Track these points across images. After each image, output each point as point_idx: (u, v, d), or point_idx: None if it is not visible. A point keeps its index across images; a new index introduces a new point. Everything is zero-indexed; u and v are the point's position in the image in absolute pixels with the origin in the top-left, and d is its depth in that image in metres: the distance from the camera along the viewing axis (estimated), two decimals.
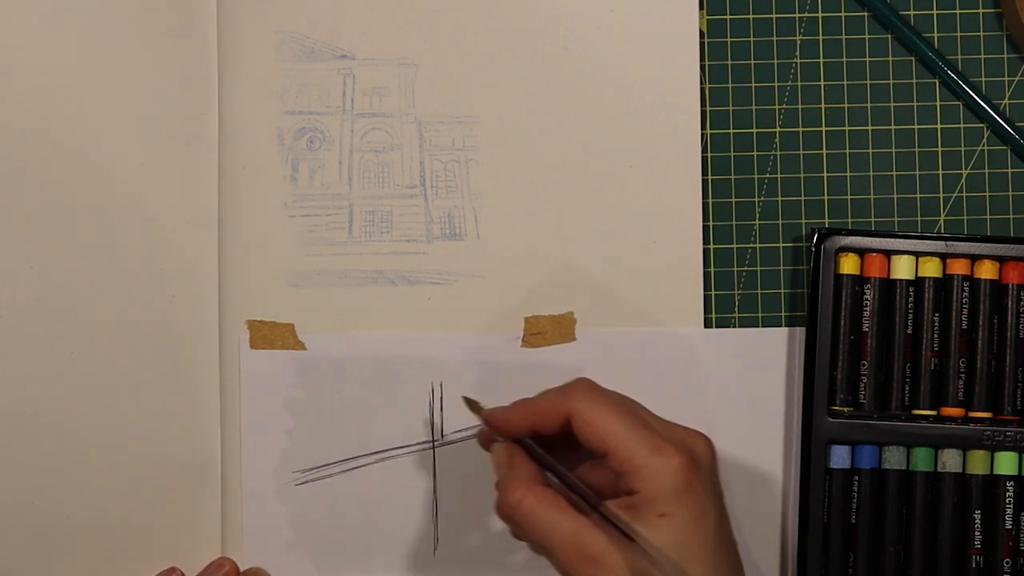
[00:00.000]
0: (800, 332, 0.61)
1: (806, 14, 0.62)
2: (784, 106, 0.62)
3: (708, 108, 0.62)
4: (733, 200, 0.62)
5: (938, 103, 0.62)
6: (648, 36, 0.61)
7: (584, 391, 0.53)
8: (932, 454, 0.59)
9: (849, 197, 0.62)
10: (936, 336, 0.59)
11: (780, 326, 0.61)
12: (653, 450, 0.51)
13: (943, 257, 0.59)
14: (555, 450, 0.54)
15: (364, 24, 0.61)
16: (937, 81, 0.62)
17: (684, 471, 0.51)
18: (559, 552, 0.51)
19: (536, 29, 0.61)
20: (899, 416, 0.59)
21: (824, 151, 0.62)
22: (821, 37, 0.62)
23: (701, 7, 0.62)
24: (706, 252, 0.62)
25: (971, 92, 0.61)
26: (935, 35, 0.62)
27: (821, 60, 0.62)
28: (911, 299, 0.59)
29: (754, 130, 0.62)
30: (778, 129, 0.62)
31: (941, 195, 0.62)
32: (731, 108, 0.62)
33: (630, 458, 0.51)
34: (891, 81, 0.62)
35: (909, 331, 0.59)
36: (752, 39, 0.62)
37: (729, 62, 0.62)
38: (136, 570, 0.61)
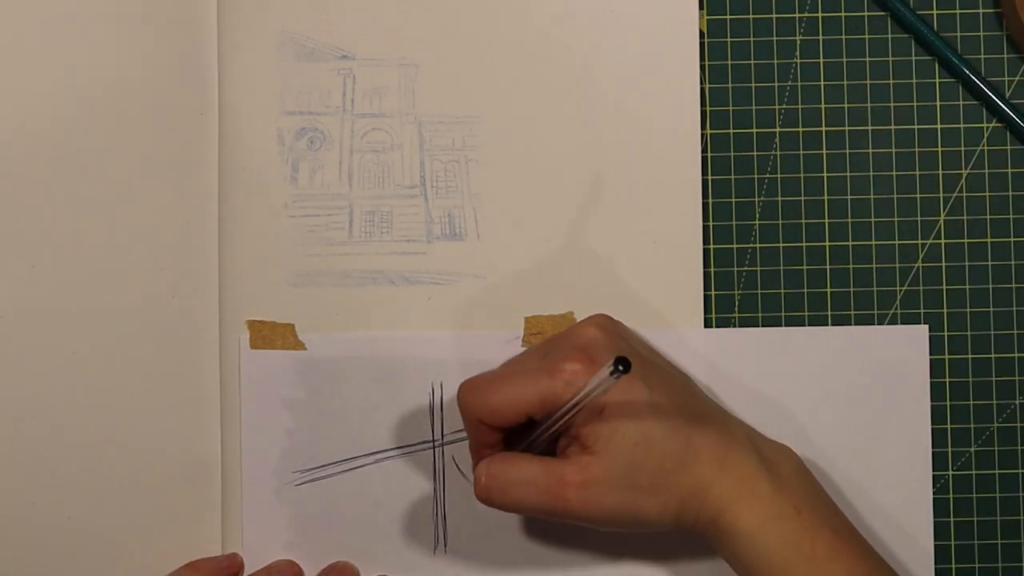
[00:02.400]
0: (800, 332, 0.61)
1: (806, 14, 0.62)
2: (784, 106, 0.62)
3: (708, 108, 0.62)
4: (733, 200, 0.62)
5: (938, 103, 0.62)
6: (648, 36, 0.61)
7: (465, 394, 0.54)
8: None
9: (849, 197, 0.62)
10: None
11: (780, 326, 0.61)
12: (550, 376, 0.53)
13: None
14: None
15: (364, 24, 0.61)
16: (937, 81, 0.62)
17: (584, 369, 0.52)
18: (544, 492, 0.53)
19: (536, 29, 0.61)
20: None
21: (824, 151, 0.62)
22: (821, 37, 0.62)
23: (701, 7, 0.62)
24: (706, 252, 0.62)
25: (971, 92, 0.61)
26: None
27: (821, 60, 0.62)
28: None
29: (754, 130, 0.62)
30: (778, 129, 0.62)
31: (941, 195, 0.62)
32: (731, 108, 0.62)
33: (543, 400, 0.53)
34: (891, 81, 0.62)
35: None
36: (752, 39, 0.62)
37: (729, 62, 0.62)
38: (136, 570, 0.61)
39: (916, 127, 0.62)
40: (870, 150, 0.62)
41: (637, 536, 0.60)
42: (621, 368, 0.48)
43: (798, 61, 0.62)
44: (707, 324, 0.61)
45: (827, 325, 0.61)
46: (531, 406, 0.53)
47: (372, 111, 0.62)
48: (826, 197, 0.62)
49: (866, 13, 0.62)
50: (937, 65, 0.62)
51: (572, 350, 0.53)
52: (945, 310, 0.62)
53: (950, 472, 0.61)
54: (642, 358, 0.55)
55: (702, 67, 0.62)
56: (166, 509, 0.61)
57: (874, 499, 0.61)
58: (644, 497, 0.53)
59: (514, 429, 0.55)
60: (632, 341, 0.57)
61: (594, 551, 0.61)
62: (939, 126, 0.62)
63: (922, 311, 0.62)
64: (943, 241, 0.62)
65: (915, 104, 0.62)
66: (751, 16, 0.62)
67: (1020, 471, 0.62)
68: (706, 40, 0.62)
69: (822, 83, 0.62)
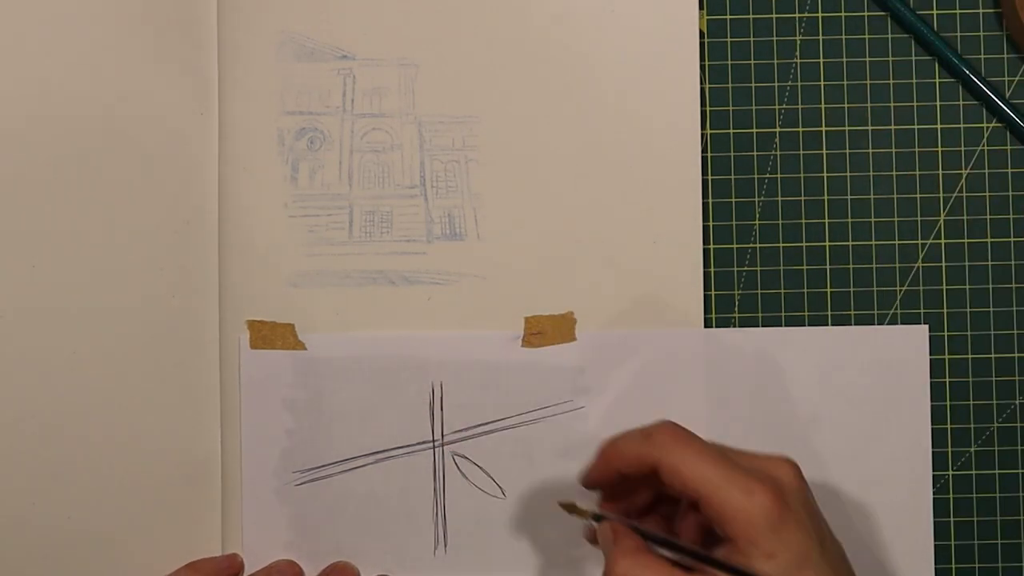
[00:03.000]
0: (801, 332, 0.61)
1: (806, 14, 0.62)
2: (784, 106, 0.62)
3: (708, 108, 0.62)
4: (733, 200, 0.62)
5: (938, 103, 0.62)
6: (648, 36, 0.61)
7: (668, 436, 0.53)
8: None
9: (849, 197, 0.62)
10: None
11: (780, 326, 0.61)
12: (744, 491, 0.51)
13: None
14: (640, 495, 0.55)
15: (364, 24, 0.61)
16: (937, 81, 0.62)
17: (777, 508, 0.51)
18: None
19: (536, 29, 0.61)
20: None
21: (824, 151, 0.62)
22: (821, 37, 0.62)
23: (701, 7, 0.62)
24: (706, 252, 0.62)
25: (971, 92, 0.61)
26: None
27: (821, 60, 0.62)
28: None
29: (754, 130, 0.62)
30: (778, 129, 0.62)
31: (941, 195, 0.62)
32: (731, 108, 0.62)
33: (722, 504, 0.51)
34: (891, 81, 0.62)
35: None
36: (752, 39, 0.62)
37: (729, 62, 0.62)
38: (136, 570, 0.61)
39: (916, 127, 0.62)
40: (870, 150, 0.62)
41: None
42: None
43: (798, 61, 0.62)
44: (707, 324, 0.61)
45: (827, 325, 0.61)
46: (709, 500, 0.51)
47: (372, 111, 0.62)
48: (826, 197, 0.62)
49: (866, 13, 0.62)
50: (937, 65, 0.62)
51: (769, 481, 0.51)
52: (945, 310, 0.62)
53: (950, 472, 0.61)
54: (818, 517, 0.53)
55: (702, 67, 0.62)
56: (166, 509, 0.61)
57: (874, 499, 0.61)
58: None
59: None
60: (813, 498, 0.54)
61: (594, 552, 0.61)
62: (939, 126, 0.62)
63: (922, 311, 0.62)
64: (943, 241, 0.62)
65: (915, 104, 0.62)
66: (751, 16, 0.62)
67: (1020, 471, 0.62)
68: (706, 40, 0.62)
69: (822, 83, 0.62)
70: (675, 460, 0.52)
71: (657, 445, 0.53)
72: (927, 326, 0.61)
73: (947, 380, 0.62)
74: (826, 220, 0.62)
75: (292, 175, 0.61)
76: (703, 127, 0.62)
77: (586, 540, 0.57)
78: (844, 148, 0.62)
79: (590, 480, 0.55)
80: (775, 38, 0.62)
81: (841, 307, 0.62)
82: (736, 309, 0.62)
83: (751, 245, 0.62)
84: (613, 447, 0.54)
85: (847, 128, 0.62)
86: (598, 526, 0.54)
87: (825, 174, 0.62)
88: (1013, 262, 0.62)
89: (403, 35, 0.61)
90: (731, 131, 0.62)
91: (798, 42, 0.62)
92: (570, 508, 0.54)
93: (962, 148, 0.62)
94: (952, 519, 0.61)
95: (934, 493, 0.61)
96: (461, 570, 0.61)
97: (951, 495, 0.61)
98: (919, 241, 0.62)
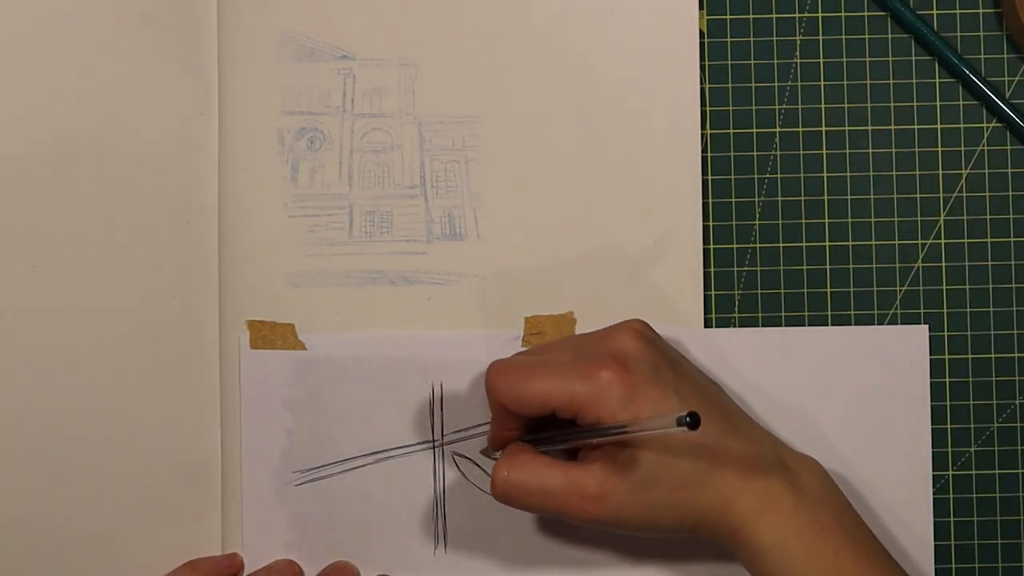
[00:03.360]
0: (800, 332, 0.61)
1: (806, 14, 0.62)
2: (784, 106, 0.62)
3: (708, 108, 0.62)
4: (733, 200, 0.62)
5: (938, 103, 0.62)
6: (648, 36, 0.61)
7: (493, 377, 0.54)
8: None
9: (849, 197, 0.62)
10: None
11: (780, 326, 0.61)
12: (582, 381, 0.52)
13: None
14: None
15: (364, 24, 0.61)
16: (937, 81, 0.62)
17: (619, 377, 0.52)
18: (562, 503, 0.53)
19: (536, 29, 0.61)
20: None
21: (824, 151, 0.62)
22: (821, 37, 0.62)
23: (701, 7, 0.62)
24: (706, 252, 0.62)
25: (971, 92, 0.61)
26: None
27: (821, 60, 0.62)
28: None
29: (754, 130, 0.62)
30: (778, 129, 0.62)
31: (941, 195, 0.62)
32: (731, 108, 0.62)
33: (571, 403, 0.53)
34: (891, 81, 0.62)
35: None
36: (752, 39, 0.62)
37: (729, 62, 0.62)
38: (136, 570, 0.61)
39: (916, 127, 0.62)
40: (870, 150, 0.62)
41: (636, 538, 0.60)
42: (689, 421, 0.47)
43: (798, 61, 0.62)
44: (707, 324, 0.61)
45: (827, 325, 0.61)
46: (558, 404, 0.53)
47: (372, 111, 0.62)
48: (826, 197, 0.62)
49: (866, 13, 0.62)
50: (937, 65, 0.62)
51: (608, 357, 0.53)
52: (945, 310, 0.62)
53: (950, 472, 0.61)
54: (674, 367, 0.55)
55: (702, 67, 0.62)
56: (166, 509, 0.61)
57: (874, 499, 0.61)
58: (662, 509, 0.53)
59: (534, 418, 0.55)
60: (667, 349, 0.56)
61: (596, 551, 0.61)
62: (939, 126, 0.62)
63: (922, 311, 0.62)
64: (943, 241, 0.62)
65: (915, 104, 0.62)
66: (751, 16, 0.62)
67: (1020, 471, 0.62)
68: (706, 40, 0.62)
69: (822, 83, 0.62)
70: (510, 394, 0.53)
71: (491, 391, 0.54)
72: (927, 326, 0.61)
73: (947, 380, 0.62)
74: (826, 220, 0.62)
75: (292, 175, 0.61)
76: (703, 127, 0.62)
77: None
78: (844, 148, 0.62)
79: (491, 447, 0.58)
80: (775, 38, 0.62)
81: (841, 307, 0.62)
82: (736, 309, 0.62)
83: (751, 245, 0.62)
84: (491, 422, 0.56)
85: (847, 128, 0.62)
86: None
87: (825, 174, 0.62)
88: (1013, 262, 0.62)
89: (403, 35, 0.61)
90: (731, 131, 0.62)
91: (798, 42, 0.62)
92: (487, 454, 0.59)
93: (962, 148, 0.62)
94: (952, 519, 0.61)
95: (934, 493, 0.61)
96: (461, 570, 0.61)
97: (951, 495, 0.61)
98: (919, 241, 0.62)
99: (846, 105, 0.62)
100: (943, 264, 0.62)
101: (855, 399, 0.61)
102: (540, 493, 0.53)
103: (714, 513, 0.53)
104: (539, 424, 0.56)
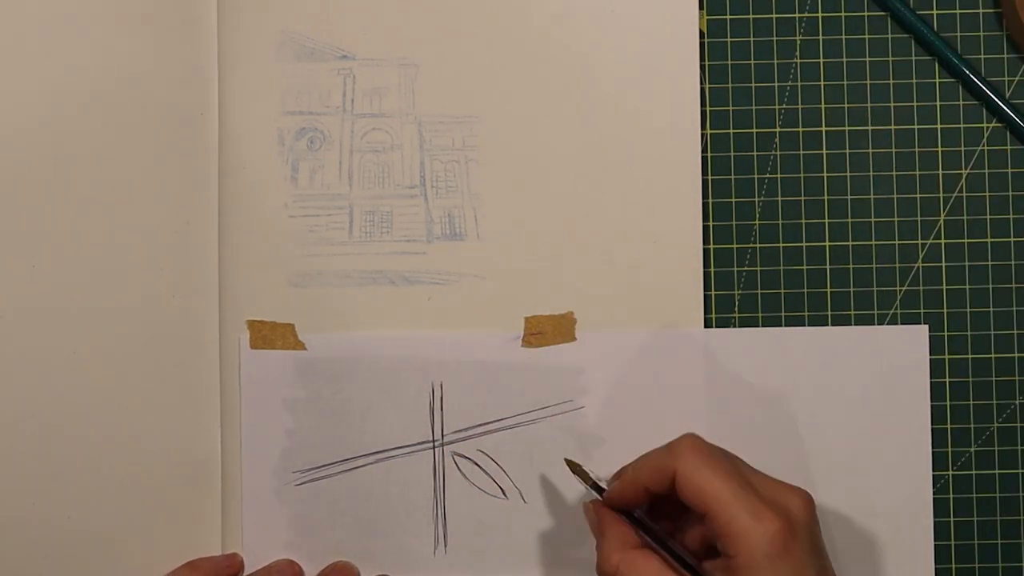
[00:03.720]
0: (801, 332, 0.61)
1: (806, 14, 0.62)
2: (784, 106, 0.62)
3: (708, 108, 0.62)
4: (733, 200, 0.62)
5: (938, 103, 0.62)
6: (648, 36, 0.61)
7: (688, 448, 0.54)
8: None
9: (849, 197, 0.62)
10: None
11: (780, 326, 0.61)
12: (752, 515, 0.52)
13: None
14: (660, 507, 0.55)
15: (364, 24, 0.61)
16: (937, 81, 0.62)
17: (781, 537, 0.51)
18: None
19: (536, 29, 0.61)
20: None
21: (824, 151, 0.62)
22: (821, 37, 0.62)
23: (701, 7, 0.62)
24: (706, 252, 0.62)
25: (971, 92, 0.61)
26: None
27: (821, 60, 0.62)
28: None
29: (754, 130, 0.62)
30: (778, 129, 0.62)
31: (941, 195, 0.62)
32: (731, 108, 0.62)
33: (729, 522, 0.52)
34: (891, 81, 0.62)
35: None
36: (752, 39, 0.62)
37: (729, 62, 0.62)
38: (136, 570, 0.61)
39: (916, 127, 0.62)
40: (870, 150, 0.62)
41: None
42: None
43: (798, 61, 0.62)
44: (707, 324, 0.61)
45: (827, 325, 0.61)
46: (717, 517, 0.52)
47: (372, 111, 0.62)
48: (826, 197, 0.62)
49: (866, 13, 0.62)
50: (937, 65, 0.62)
51: (781, 510, 0.52)
52: (945, 310, 0.62)
53: (950, 472, 0.61)
54: (822, 554, 0.54)
55: (702, 67, 0.62)
56: (166, 509, 0.61)
57: (874, 499, 0.61)
58: None
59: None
60: (819, 536, 0.55)
61: (595, 551, 0.61)
62: (939, 126, 0.62)
63: (922, 311, 0.62)
64: (943, 241, 0.62)
65: (915, 104, 0.62)
66: (751, 16, 0.62)
67: (1020, 471, 0.62)
68: (706, 40, 0.62)
69: (822, 83, 0.62)
70: (690, 469, 0.53)
71: (676, 455, 0.54)
72: (927, 326, 0.61)
73: (947, 380, 0.62)
74: (826, 220, 0.62)
75: (292, 175, 0.61)
76: (703, 127, 0.62)
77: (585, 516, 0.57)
78: (844, 148, 0.62)
79: (615, 500, 0.56)
80: (775, 38, 0.62)
81: (841, 307, 0.62)
82: (736, 309, 0.62)
83: (751, 245, 0.62)
84: (636, 466, 0.55)
85: (847, 128, 0.62)
86: (584, 505, 0.55)
87: (825, 174, 0.62)
88: (1013, 262, 0.62)
89: (403, 35, 0.61)
90: (731, 131, 0.62)
91: (798, 42, 0.62)
92: (575, 467, 0.57)
93: (962, 148, 0.62)
94: (952, 519, 0.61)
95: (934, 493, 0.61)
96: (461, 570, 0.61)
97: (951, 495, 0.61)
98: (919, 241, 0.62)
99: (846, 105, 0.62)
100: (943, 264, 0.62)
101: (855, 399, 0.61)
102: None
103: None
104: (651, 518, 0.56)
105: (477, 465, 0.61)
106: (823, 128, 0.62)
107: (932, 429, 0.61)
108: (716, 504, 0.52)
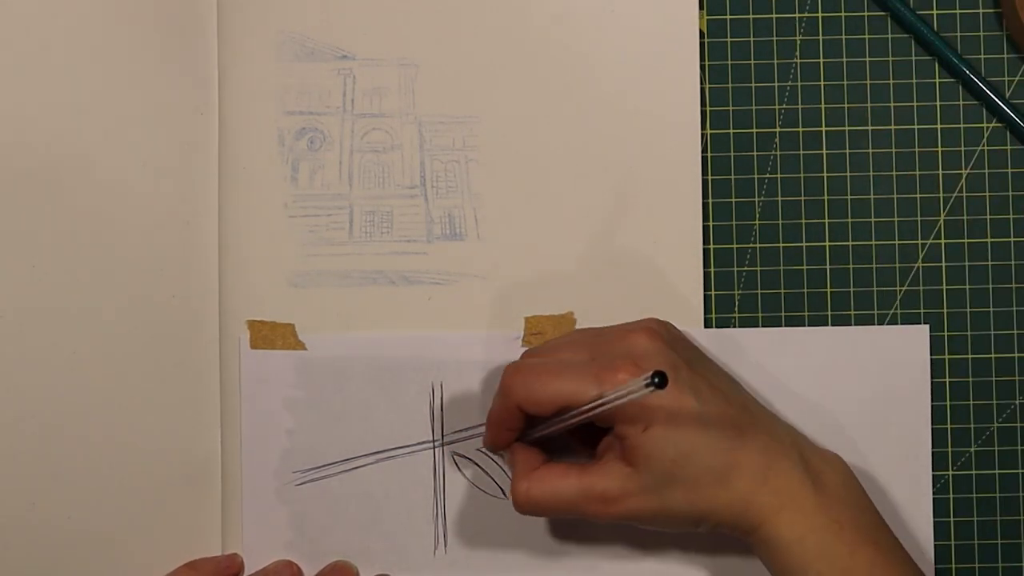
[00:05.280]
0: (800, 332, 0.61)
1: (806, 14, 0.62)
2: (784, 106, 0.62)
3: (708, 108, 0.62)
4: (733, 200, 0.62)
5: (938, 103, 0.62)
6: (648, 36, 0.61)
7: (511, 376, 0.54)
8: None
9: (849, 197, 0.62)
10: None
11: (780, 326, 0.61)
12: (599, 383, 0.52)
13: None
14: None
15: (364, 24, 0.61)
16: (937, 81, 0.62)
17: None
18: (585, 509, 0.54)
19: (536, 29, 0.61)
20: None
21: (824, 151, 0.62)
22: (821, 37, 0.62)
23: (701, 7, 0.62)
24: (706, 252, 0.62)
25: (971, 92, 0.61)
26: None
27: (821, 60, 0.62)
28: None
29: (754, 130, 0.62)
30: (778, 129, 0.62)
31: (941, 195, 0.62)
32: (731, 108, 0.62)
33: (581, 403, 0.52)
34: (891, 81, 0.62)
35: None
36: (752, 39, 0.62)
37: (729, 62, 0.62)
38: (136, 570, 0.61)
39: (916, 127, 0.62)
40: (870, 150, 0.62)
41: (641, 533, 0.60)
42: (656, 382, 0.47)
43: (798, 61, 0.62)
44: (707, 324, 0.61)
45: (827, 325, 0.61)
46: (572, 405, 0.53)
47: (372, 111, 0.62)
48: (826, 197, 0.62)
49: (866, 13, 0.62)
50: (937, 65, 0.62)
51: (624, 359, 0.53)
52: (945, 310, 0.62)
53: (950, 472, 0.61)
54: (692, 366, 0.55)
55: (702, 67, 0.62)
56: (166, 509, 0.61)
57: (874, 499, 0.60)
58: (680, 508, 0.53)
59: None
60: (685, 348, 0.56)
61: (595, 550, 0.61)
62: (939, 126, 0.62)
63: (922, 311, 0.62)
64: (943, 241, 0.62)
65: (915, 104, 0.62)
66: (751, 16, 0.62)
67: (1020, 471, 0.62)
68: (706, 40, 0.62)
69: (822, 83, 0.62)
70: (526, 396, 0.54)
71: (508, 392, 0.54)
72: (928, 326, 0.61)
73: (947, 380, 0.62)
74: (826, 220, 0.62)
75: (292, 175, 0.61)
76: (703, 127, 0.62)
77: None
78: (844, 148, 0.62)
79: (492, 445, 0.58)
80: (775, 38, 0.62)
81: (841, 307, 0.62)
82: (736, 309, 0.62)
83: (751, 245, 0.62)
84: (492, 415, 0.57)
85: (847, 128, 0.62)
86: (506, 453, 0.57)
87: (825, 174, 0.62)
88: (1013, 262, 0.62)
89: (403, 35, 0.61)
90: (731, 131, 0.62)
91: (798, 42, 0.62)
92: (491, 449, 0.59)
93: (962, 148, 0.62)
94: (952, 519, 0.61)
95: (934, 493, 0.61)
96: (461, 570, 0.61)
97: (951, 495, 0.61)
98: (919, 241, 0.62)
99: (846, 105, 0.62)
100: (943, 264, 0.62)
101: (855, 399, 0.61)
102: (560, 502, 0.54)
103: (733, 511, 0.53)
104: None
105: (477, 465, 0.61)
106: (823, 128, 0.62)
107: (932, 429, 0.61)
108: (565, 400, 0.53)
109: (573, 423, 0.53)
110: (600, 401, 0.51)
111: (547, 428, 0.55)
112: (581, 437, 0.57)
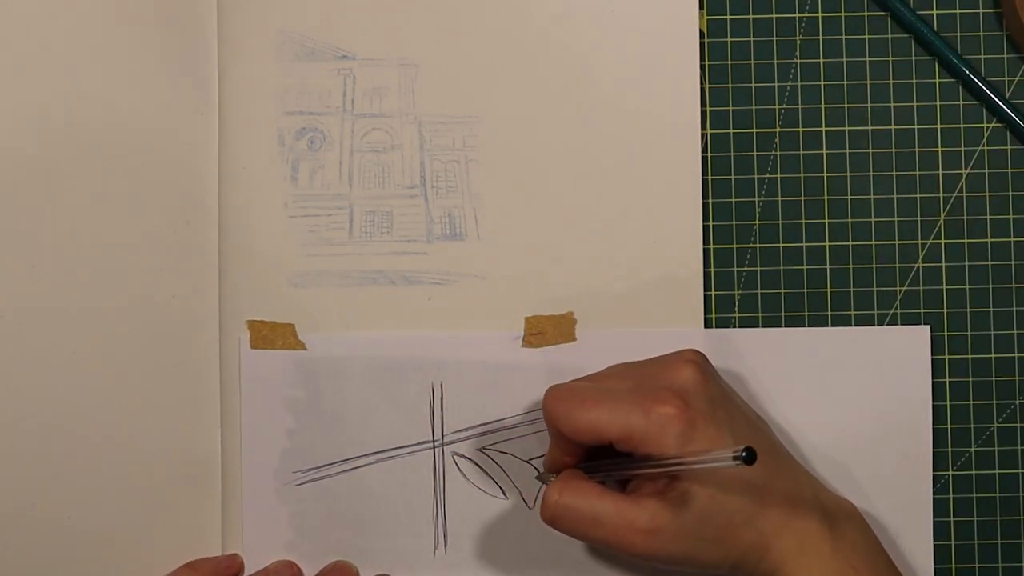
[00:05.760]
0: (800, 332, 0.61)
1: (806, 14, 0.62)
2: (784, 106, 0.62)
3: (708, 108, 0.62)
4: (733, 200, 0.62)
5: (938, 103, 0.62)
6: (648, 36, 0.61)
7: (551, 403, 0.54)
8: None
9: (849, 197, 0.62)
10: None
11: (780, 326, 0.61)
12: (640, 414, 0.52)
13: None
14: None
15: (364, 24, 0.61)
16: (937, 81, 0.62)
17: (678, 413, 0.52)
18: (611, 534, 0.52)
19: (536, 29, 0.61)
20: None
21: (824, 151, 0.62)
22: (821, 37, 0.62)
23: (701, 7, 0.62)
24: (706, 252, 0.62)
25: (971, 92, 0.61)
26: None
27: (821, 60, 0.62)
28: None
29: (754, 130, 0.62)
30: (778, 129, 0.62)
31: (941, 195, 0.62)
32: (731, 108, 0.62)
33: (628, 436, 0.52)
34: (891, 81, 0.62)
35: None
36: (752, 39, 0.62)
37: (729, 62, 0.62)
38: (136, 570, 0.61)
39: (916, 127, 0.62)
40: (870, 150, 0.62)
41: None
42: (745, 456, 0.47)
43: (798, 61, 0.62)
44: (707, 324, 0.61)
45: (827, 325, 0.61)
46: (616, 436, 0.52)
47: (372, 111, 0.62)
48: (826, 197, 0.62)
49: (866, 13, 0.62)
50: (937, 65, 0.62)
51: (667, 391, 0.53)
52: (945, 310, 0.62)
53: (950, 472, 0.61)
54: (730, 406, 0.54)
55: (702, 67, 0.62)
56: (166, 509, 0.61)
57: (874, 499, 0.61)
58: (707, 547, 0.52)
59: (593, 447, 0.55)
60: (723, 386, 0.56)
61: (595, 551, 0.61)
62: (939, 126, 0.62)
63: (922, 311, 0.62)
64: (943, 241, 0.62)
65: (915, 104, 0.62)
66: (751, 16, 0.62)
67: (1020, 471, 0.62)
68: (706, 40, 0.62)
69: (822, 83, 0.62)
70: (567, 422, 0.53)
71: (548, 418, 0.54)
72: (928, 326, 0.61)
73: (947, 380, 0.62)
74: (826, 220, 0.62)
75: (292, 175, 0.61)
76: (703, 127, 0.62)
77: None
78: (844, 148, 0.62)
79: (547, 468, 0.57)
80: (775, 38, 0.62)
81: (841, 307, 0.62)
82: (736, 309, 0.62)
83: (751, 245, 0.62)
84: (550, 448, 0.56)
85: (847, 128, 0.62)
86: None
87: (825, 174, 0.62)
88: (1013, 262, 0.62)
89: (403, 35, 0.61)
90: (731, 131, 0.62)
91: (798, 42, 0.62)
92: (544, 479, 0.58)
93: (962, 148, 0.62)
94: (952, 519, 0.61)
95: (934, 493, 0.61)
96: (461, 570, 0.61)
97: (951, 495, 0.61)
98: (919, 241, 0.62)
99: (846, 105, 0.62)
100: (943, 264, 0.62)
101: (855, 399, 0.61)
102: (591, 520, 0.53)
103: (755, 553, 0.53)
104: (597, 453, 0.56)
105: (477, 465, 0.61)
106: (823, 128, 0.62)
107: (932, 429, 0.61)
108: (606, 430, 0.52)
109: (645, 472, 0.53)
110: (683, 461, 0.50)
111: (612, 472, 0.55)
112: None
